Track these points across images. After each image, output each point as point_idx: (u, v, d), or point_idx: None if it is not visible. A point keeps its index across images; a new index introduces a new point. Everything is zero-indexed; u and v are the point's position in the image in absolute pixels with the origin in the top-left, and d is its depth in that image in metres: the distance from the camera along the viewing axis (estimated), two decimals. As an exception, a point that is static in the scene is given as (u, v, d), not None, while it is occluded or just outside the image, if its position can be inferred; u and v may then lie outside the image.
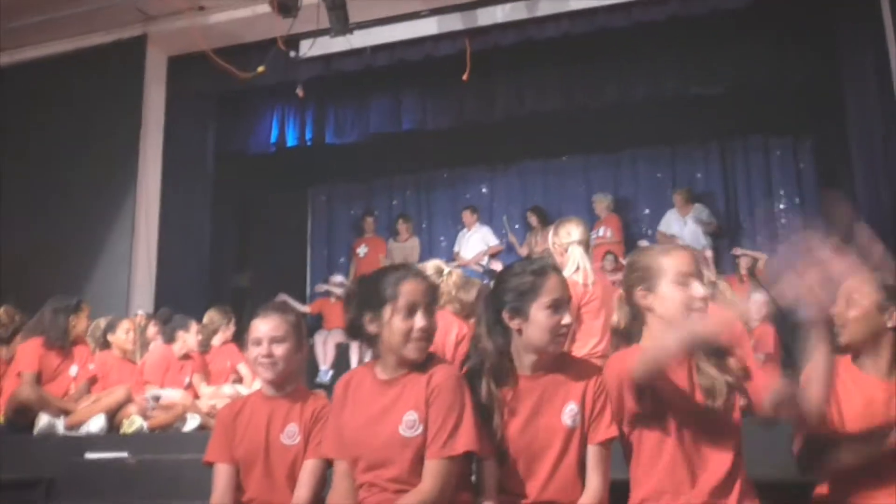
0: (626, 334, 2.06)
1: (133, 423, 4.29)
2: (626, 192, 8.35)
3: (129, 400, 4.42)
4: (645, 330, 2.01)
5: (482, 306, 2.11)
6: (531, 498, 1.95)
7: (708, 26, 6.16)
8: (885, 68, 5.48)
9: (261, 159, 8.08)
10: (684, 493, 1.85)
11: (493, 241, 8.15)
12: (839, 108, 6.25)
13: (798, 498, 2.13)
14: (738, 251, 7.01)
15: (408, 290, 1.99)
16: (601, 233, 7.59)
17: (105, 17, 6.53)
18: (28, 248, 6.33)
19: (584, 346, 3.63)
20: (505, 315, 2.03)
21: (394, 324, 1.97)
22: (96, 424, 4.28)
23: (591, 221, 7.32)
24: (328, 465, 2.17)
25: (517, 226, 8.42)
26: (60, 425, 4.29)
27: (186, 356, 4.87)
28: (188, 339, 4.87)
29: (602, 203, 7.88)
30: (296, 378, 2.39)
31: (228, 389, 4.87)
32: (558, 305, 2.00)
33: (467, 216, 8.28)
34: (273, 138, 7.71)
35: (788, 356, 5.11)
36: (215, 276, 7.28)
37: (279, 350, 2.29)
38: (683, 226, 7.46)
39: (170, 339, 4.87)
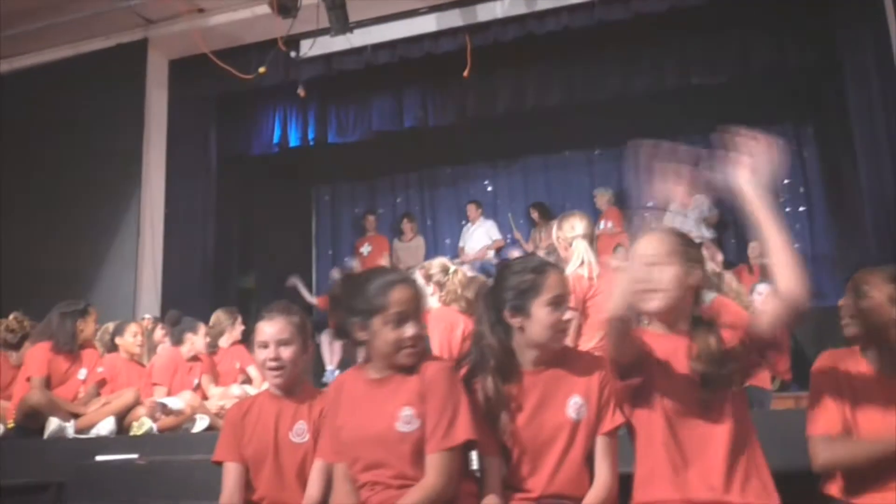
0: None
1: (143, 425, 4.33)
2: (629, 185, 8.34)
3: (138, 402, 4.46)
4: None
5: (482, 305, 2.11)
6: (537, 492, 1.95)
7: (707, 15, 6.15)
8: (885, 52, 5.47)
9: (263, 160, 8.09)
10: (679, 475, 1.85)
11: (497, 236, 8.16)
12: (840, 93, 6.23)
13: (810, 491, 2.10)
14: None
15: (397, 299, 1.97)
16: (602, 226, 7.59)
17: (105, 22, 6.55)
18: (35, 256, 6.36)
19: (591, 339, 3.62)
20: (506, 313, 2.03)
21: (384, 334, 1.96)
22: (106, 427, 4.32)
23: (593, 216, 7.31)
24: (337, 464, 2.18)
25: (521, 221, 8.43)
26: (70, 429, 4.31)
27: (195, 358, 4.89)
28: (196, 341, 4.89)
29: (603, 197, 7.89)
30: (302, 379, 2.40)
31: (237, 390, 4.90)
32: (559, 302, 2.01)
33: (472, 210, 8.30)
34: (275, 139, 7.73)
35: (795, 343, 5.12)
36: (220, 277, 7.30)
37: (286, 353, 2.30)
38: (685, 218, 7.43)
39: (178, 341, 4.89)
